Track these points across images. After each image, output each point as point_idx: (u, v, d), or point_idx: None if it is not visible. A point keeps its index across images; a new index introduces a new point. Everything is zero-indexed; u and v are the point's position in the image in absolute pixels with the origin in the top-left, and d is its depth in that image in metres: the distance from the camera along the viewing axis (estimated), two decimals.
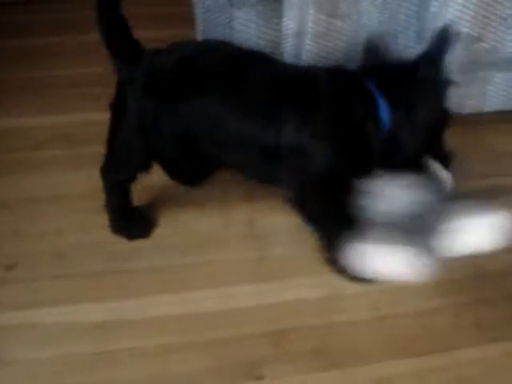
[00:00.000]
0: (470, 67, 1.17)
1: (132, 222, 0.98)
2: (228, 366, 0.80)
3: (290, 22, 1.05)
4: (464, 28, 1.12)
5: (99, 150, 0.91)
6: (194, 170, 1.05)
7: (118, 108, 0.89)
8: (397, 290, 0.90)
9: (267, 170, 0.89)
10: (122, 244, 0.96)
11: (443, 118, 0.89)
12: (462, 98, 1.20)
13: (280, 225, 1.01)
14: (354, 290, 0.90)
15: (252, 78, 0.85)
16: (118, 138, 0.90)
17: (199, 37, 1.06)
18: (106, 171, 0.94)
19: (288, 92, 0.85)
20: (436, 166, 0.89)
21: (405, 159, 0.86)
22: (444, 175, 0.89)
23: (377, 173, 0.82)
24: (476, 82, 1.20)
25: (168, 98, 0.84)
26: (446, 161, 0.90)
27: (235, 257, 0.96)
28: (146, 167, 0.92)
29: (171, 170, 1.01)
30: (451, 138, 0.92)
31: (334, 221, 0.84)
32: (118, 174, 0.94)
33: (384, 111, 0.84)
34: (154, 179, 0.98)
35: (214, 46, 0.91)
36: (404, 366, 0.81)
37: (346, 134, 0.84)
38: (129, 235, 0.97)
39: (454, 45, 0.86)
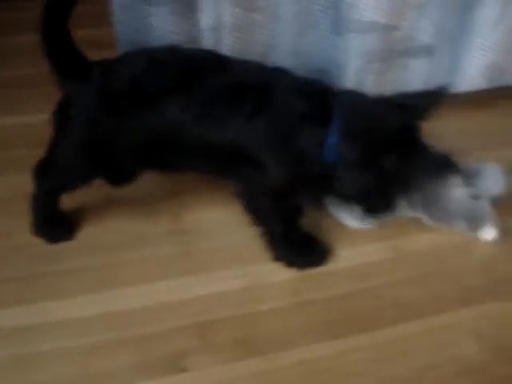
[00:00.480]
0: (387, 55, 1.20)
1: (55, 224, 0.97)
2: (152, 360, 0.80)
3: (206, 17, 1.06)
4: (379, 17, 1.14)
5: (21, 154, 0.90)
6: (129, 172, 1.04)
7: (64, 120, 0.87)
8: (318, 276, 0.92)
9: (223, 168, 0.90)
10: (46, 246, 0.95)
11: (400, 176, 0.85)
12: (382, 86, 1.22)
13: (205, 219, 1.03)
14: (277, 279, 0.92)
15: (206, 85, 0.84)
16: (63, 148, 0.89)
17: (117, 35, 1.05)
18: (43, 177, 0.92)
19: (240, 100, 0.84)
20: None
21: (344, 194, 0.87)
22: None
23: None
24: (394, 70, 1.23)
25: (125, 112, 0.84)
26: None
27: (161, 253, 0.96)
28: (89, 179, 0.92)
29: (109, 175, 1.01)
30: None
31: (277, 223, 0.91)
32: (55, 183, 0.93)
33: (332, 141, 0.81)
34: None
35: (164, 55, 0.88)
36: (325, 349, 0.82)
37: (285, 150, 0.83)
38: (51, 238, 0.96)
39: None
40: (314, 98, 0.83)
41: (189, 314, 0.86)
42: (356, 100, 0.85)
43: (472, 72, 1.28)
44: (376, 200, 0.87)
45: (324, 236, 0.99)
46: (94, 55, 0.88)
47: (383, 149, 0.79)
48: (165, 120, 0.84)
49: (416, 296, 0.90)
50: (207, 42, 1.08)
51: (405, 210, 1.00)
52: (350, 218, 1.00)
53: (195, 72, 0.85)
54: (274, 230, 0.91)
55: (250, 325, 0.85)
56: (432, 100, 0.81)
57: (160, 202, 1.05)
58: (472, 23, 1.21)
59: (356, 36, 1.14)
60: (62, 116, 0.87)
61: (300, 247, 0.93)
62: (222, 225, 1.01)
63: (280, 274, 0.92)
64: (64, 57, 0.84)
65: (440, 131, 1.11)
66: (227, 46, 1.10)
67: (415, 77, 1.25)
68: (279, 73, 0.88)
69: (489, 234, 0.99)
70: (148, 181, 1.06)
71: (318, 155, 0.81)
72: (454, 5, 1.16)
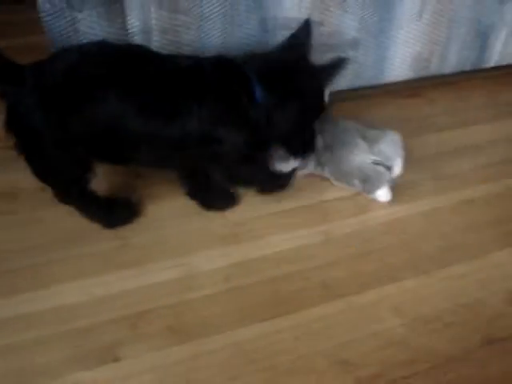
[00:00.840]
0: (315, 50, 1.25)
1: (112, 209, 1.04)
2: (86, 352, 0.83)
3: (133, 21, 1.09)
4: (305, 14, 1.19)
5: None
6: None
7: (23, 134, 0.89)
8: (249, 262, 0.96)
9: (173, 158, 0.96)
10: None
11: (314, 102, 0.98)
12: None
13: (141, 214, 1.06)
14: (210, 267, 0.96)
15: (143, 76, 0.89)
16: (43, 162, 0.92)
17: (48, 41, 1.08)
18: (61, 195, 0.99)
19: (181, 86, 0.90)
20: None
21: (279, 134, 0.99)
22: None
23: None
24: None
25: (63, 105, 0.87)
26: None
27: (98, 249, 0.99)
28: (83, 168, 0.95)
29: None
30: None
31: (255, 179, 1.08)
32: (69, 189, 0.99)
33: (258, 92, 0.93)
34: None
35: (94, 48, 0.93)
36: (253, 331, 0.86)
37: (233, 115, 0.93)
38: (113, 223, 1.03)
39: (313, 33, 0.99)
40: (232, 69, 0.94)
41: (122, 306, 0.89)
42: (257, 58, 0.98)
43: (398, 63, 1.33)
44: (297, 140, 1.01)
45: (255, 224, 1.03)
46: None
47: (292, 86, 0.94)
48: (105, 110, 0.87)
49: (342, 276, 0.95)
50: None
51: (315, 167, 1.14)
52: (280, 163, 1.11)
53: (127, 61, 0.89)
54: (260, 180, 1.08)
55: (181, 313, 0.89)
56: (305, 33, 0.99)
57: None
58: (395, 17, 1.26)
59: (283, 33, 1.18)
60: (19, 131, 0.89)
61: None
62: (157, 219, 1.05)
63: (212, 263, 0.96)
64: None
65: (378, 117, 1.18)
66: (157, 48, 1.13)
67: (345, 70, 1.29)
68: (195, 58, 0.97)
69: (383, 196, 1.10)
70: None
71: (252, 108, 0.93)
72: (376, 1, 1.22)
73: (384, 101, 1.38)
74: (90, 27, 1.07)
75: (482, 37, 1.43)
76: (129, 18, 1.08)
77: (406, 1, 1.26)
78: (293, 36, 0.99)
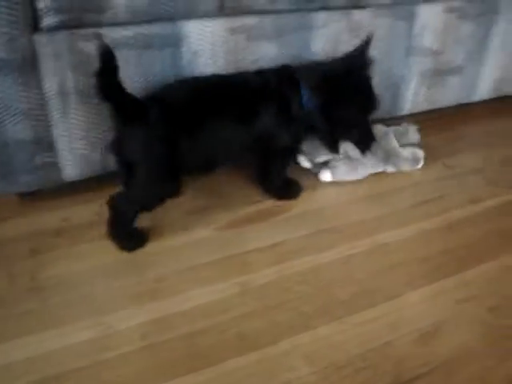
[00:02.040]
0: None
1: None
2: None
3: (50, 85, 1.12)
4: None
5: None
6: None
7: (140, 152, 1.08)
8: (166, 319, 0.97)
9: (242, 155, 1.23)
10: None
11: (357, 109, 1.19)
12: None
13: (61, 274, 1.07)
14: (126, 325, 0.96)
15: (232, 98, 1.15)
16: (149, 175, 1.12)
17: None
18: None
19: (252, 100, 1.17)
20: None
21: (324, 135, 1.25)
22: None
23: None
24: None
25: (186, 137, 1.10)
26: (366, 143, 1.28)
27: (17, 311, 0.98)
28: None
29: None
30: None
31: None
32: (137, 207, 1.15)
33: (305, 98, 1.17)
34: None
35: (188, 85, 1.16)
36: None
37: (287, 117, 1.18)
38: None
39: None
40: (288, 78, 1.20)
41: (35, 370, 0.88)
42: (309, 69, 1.21)
43: None
44: (338, 134, 1.25)
45: (173, 279, 1.05)
46: None
47: (337, 92, 1.15)
48: (212, 132, 1.12)
49: (258, 327, 0.97)
50: (55, 108, 1.13)
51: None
52: (305, 161, 1.41)
53: (219, 89, 1.17)
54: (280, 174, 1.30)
55: (97, 373, 0.88)
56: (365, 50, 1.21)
57: (18, 261, 1.08)
58: None
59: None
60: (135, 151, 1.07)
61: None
62: (76, 278, 1.05)
63: (129, 321, 0.97)
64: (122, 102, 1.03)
65: None
66: (76, 110, 1.16)
67: None
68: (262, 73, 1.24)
69: (325, 176, 1.37)
70: (6, 239, 1.10)
71: (302, 112, 1.19)
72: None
73: None
74: (4, 92, 1.09)
75: (393, 87, 1.52)
76: (44, 82, 1.10)
77: None
78: (352, 51, 1.21)
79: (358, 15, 1.40)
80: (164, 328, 0.96)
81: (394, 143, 1.42)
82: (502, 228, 1.26)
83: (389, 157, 1.41)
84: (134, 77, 1.16)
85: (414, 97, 1.63)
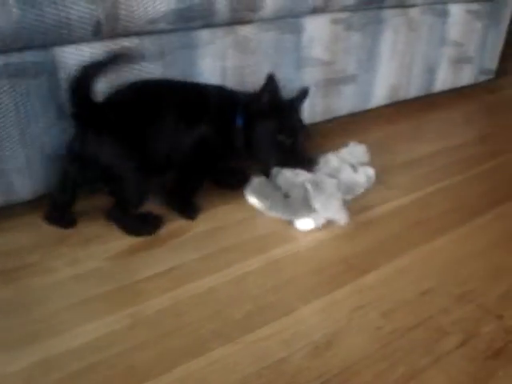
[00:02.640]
0: None
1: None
2: None
3: None
4: None
5: None
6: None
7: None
8: (53, 358, 0.93)
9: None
10: None
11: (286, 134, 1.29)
12: None
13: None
14: (9, 370, 0.91)
15: (175, 104, 1.23)
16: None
17: None
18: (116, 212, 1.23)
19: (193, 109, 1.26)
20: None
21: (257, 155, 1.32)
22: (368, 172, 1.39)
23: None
24: None
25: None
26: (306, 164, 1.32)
27: None
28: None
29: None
30: None
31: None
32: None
33: (240, 120, 1.28)
34: None
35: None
36: None
37: (222, 132, 1.27)
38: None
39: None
40: (227, 97, 1.32)
41: None
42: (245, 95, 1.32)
43: None
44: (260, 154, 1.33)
45: (59, 317, 1.01)
46: None
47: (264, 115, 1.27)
48: (161, 132, 1.21)
49: (151, 357, 0.94)
50: None
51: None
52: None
53: (165, 93, 1.25)
54: None
55: None
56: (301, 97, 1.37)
57: None
58: None
59: None
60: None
61: None
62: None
63: (12, 366, 0.92)
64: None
65: None
66: None
67: None
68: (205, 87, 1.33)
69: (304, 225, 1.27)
70: None
71: (235, 130, 1.30)
72: None
73: None
74: None
75: None
76: None
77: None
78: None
79: (244, 30, 1.41)
80: (50, 369, 0.92)
81: (352, 175, 1.38)
82: (394, 232, 1.29)
83: (348, 188, 1.35)
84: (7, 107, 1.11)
85: (310, 107, 1.65)
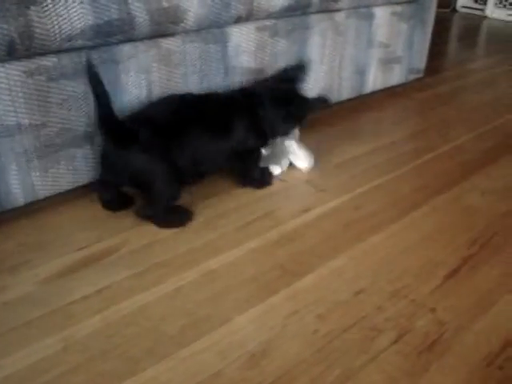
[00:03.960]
0: (48, 150, 1.24)
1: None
2: None
3: None
4: (24, 119, 1.18)
5: None
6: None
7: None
8: None
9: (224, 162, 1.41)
10: None
11: (297, 110, 1.47)
12: (52, 180, 1.27)
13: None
14: None
15: (206, 114, 1.34)
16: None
17: None
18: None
19: (225, 114, 1.37)
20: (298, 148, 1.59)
21: (279, 129, 1.47)
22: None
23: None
24: (62, 162, 1.27)
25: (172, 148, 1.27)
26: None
27: None
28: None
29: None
30: None
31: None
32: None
33: (266, 106, 1.42)
34: None
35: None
36: None
37: (257, 124, 1.41)
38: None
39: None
40: (251, 96, 1.44)
41: None
42: (265, 87, 1.49)
43: None
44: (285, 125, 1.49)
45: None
46: None
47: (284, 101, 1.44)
48: (193, 142, 1.29)
49: (81, 382, 0.91)
50: None
51: None
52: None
53: (194, 105, 1.36)
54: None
55: None
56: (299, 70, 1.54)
57: None
58: None
59: None
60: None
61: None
62: None
63: None
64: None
65: None
66: None
67: (85, 165, 1.30)
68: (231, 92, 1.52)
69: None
70: None
71: (263, 118, 1.43)
72: None
73: None
74: None
75: None
76: None
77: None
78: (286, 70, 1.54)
79: (167, 43, 1.40)
80: None
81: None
82: (329, 233, 1.30)
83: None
84: None
85: None
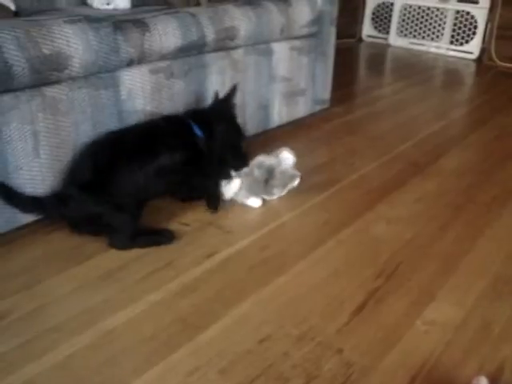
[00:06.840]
0: None
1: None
2: None
3: None
4: None
5: None
6: None
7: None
8: None
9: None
10: None
11: (232, 135, 1.59)
12: None
13: None
14: None
15: (133, 147, 1.42)
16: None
17: None
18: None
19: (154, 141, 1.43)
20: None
21: (217, 155, 1.53)
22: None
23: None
24: None
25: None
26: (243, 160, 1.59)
27: None
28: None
29: None
30: None
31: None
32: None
33: (198, 131, 1.51)
34: None
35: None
36: None
37: (187, 148, 1.47)
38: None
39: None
40: (179, 121, 1.54)
41: None
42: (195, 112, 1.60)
43: None
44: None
45: None
46: None
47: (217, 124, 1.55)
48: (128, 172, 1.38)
49: None
50: None
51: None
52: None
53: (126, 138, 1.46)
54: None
55: None
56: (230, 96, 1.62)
57: None
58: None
59: None
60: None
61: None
62: None
63: None
64: None
65: None
66: None
67: None
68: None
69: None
70: None
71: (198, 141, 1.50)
72: None
73: None
74: None
75: None
76: None
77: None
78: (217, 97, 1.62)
79: (52, 91, 1.34)
80: None
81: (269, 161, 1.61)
82: (234, 277, 1.26)
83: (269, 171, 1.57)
84: None
85: None
